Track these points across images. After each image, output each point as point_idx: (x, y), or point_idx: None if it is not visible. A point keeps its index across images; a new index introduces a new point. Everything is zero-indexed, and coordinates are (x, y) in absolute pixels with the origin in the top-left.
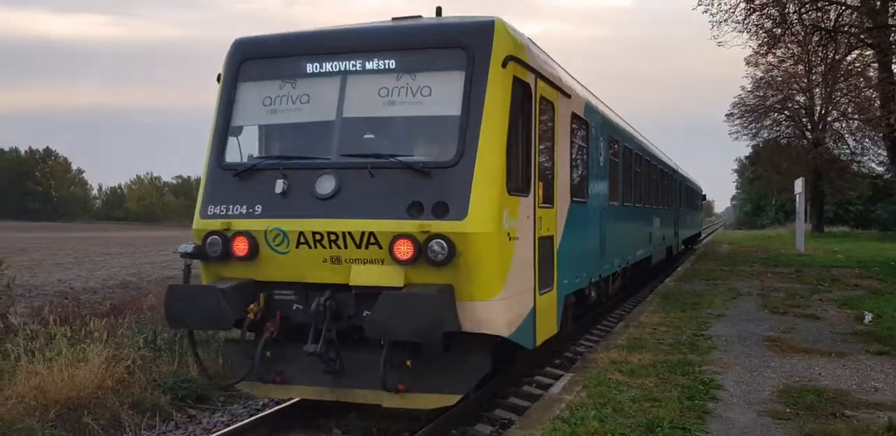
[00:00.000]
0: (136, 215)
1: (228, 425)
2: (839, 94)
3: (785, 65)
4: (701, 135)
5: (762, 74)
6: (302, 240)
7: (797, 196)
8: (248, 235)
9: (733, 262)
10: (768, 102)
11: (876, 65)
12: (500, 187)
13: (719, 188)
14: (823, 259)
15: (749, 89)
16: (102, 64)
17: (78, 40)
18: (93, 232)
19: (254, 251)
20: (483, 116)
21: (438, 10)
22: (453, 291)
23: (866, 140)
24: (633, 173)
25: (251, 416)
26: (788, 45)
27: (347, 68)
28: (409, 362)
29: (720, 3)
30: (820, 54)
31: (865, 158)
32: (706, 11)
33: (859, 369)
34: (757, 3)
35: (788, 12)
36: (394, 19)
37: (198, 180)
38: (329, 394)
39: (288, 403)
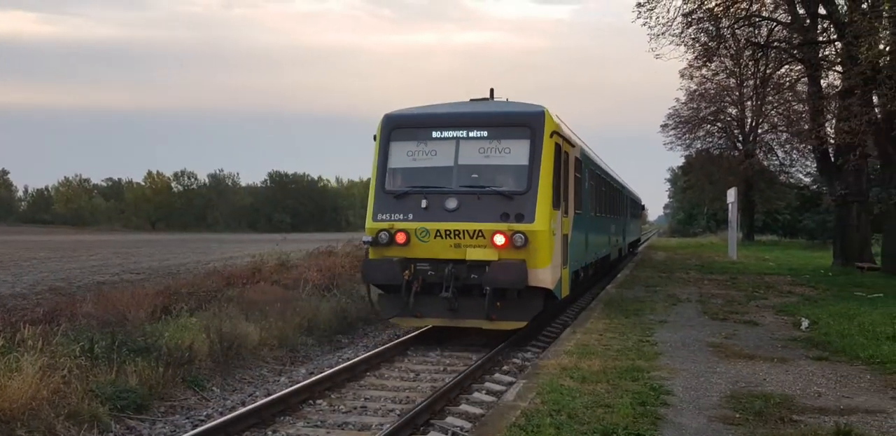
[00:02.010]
0: (63, 218)
1: None
2: (769, 107)
3: (718, 78)
4: (636, 144)
5: (696, 87)
6: (437, 234)
7: (730, 205)
8: (405, 231)
9: (670, 269)
10: (701, 114)
11: (805, 79)
12: (550, 205)
13: (652, 197)
14: (756, 267)
15: (683, 101)
16: (33, 62)
17: (6, 37)
18: (18, 235)
19: (408, 240)
20: (541, 166)
21: (491, 92)
22: (528, 261)
23: (795, 152)
24: (600, 192)
25: (194, 426)
26: (722, 58)
27: (459, 136)
28: (498, 303)
29: (658, 17)
30: (752, 68)
31: (794, 169)
32: (644, 24)
33: (802, 374)
34: (693, 17)
35: (723, 27)
36: (472, 100)
37: (129, 182)
38: (450, 322)
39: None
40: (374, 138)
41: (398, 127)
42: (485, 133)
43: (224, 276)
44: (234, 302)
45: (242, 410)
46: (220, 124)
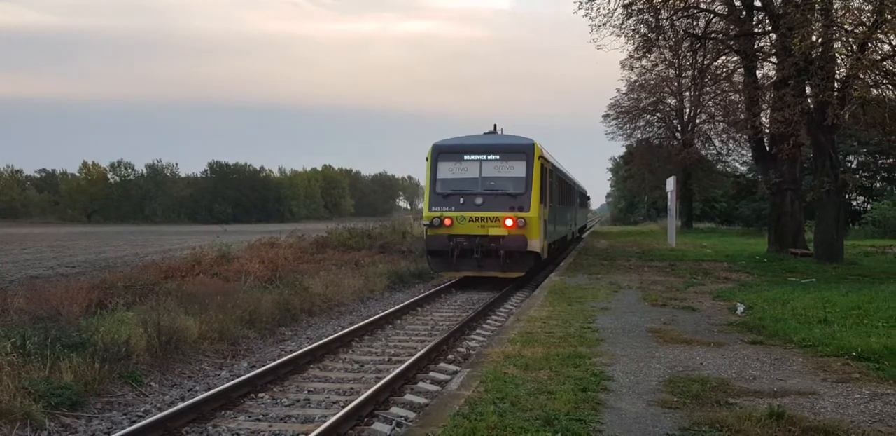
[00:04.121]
0: None
1: (108, 434)
2: (707, 97)
3: (657, 69)
4: (579, 133)
5: (636, 78)
6: (471, 219)
7: (669, 194)
8: (450, 217)
9: (612, 256)
10: (642, 105)
11: (742, 70)
12: (538, 201)
13: (595, 186)
14: (694, 253)
15: (624, 92)
16: None
17: None
18: None
19: (452, 223)
20: (532, 177)
21: (495, 127)
22: (526, 236)
23: (731, 141)
24: (561, 189)
25: (132, 422)
26: (661, 49)
27: (482, 158)
28: (508, 261)
29: (599, 8)
30: (690, 59)
31: (730, 158)
32: (586, 15)
33: (737, 358)
34: (633, 8)
35: (662, 18)
36: (485, 134)
37: (63, 173)
38: (477, 273)
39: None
40: (427, 159)
41: (442, 152)
42: (497, 157)
43: (162, 269)
44: (173, 295)
45: (182, 405)
46: (158, 114)
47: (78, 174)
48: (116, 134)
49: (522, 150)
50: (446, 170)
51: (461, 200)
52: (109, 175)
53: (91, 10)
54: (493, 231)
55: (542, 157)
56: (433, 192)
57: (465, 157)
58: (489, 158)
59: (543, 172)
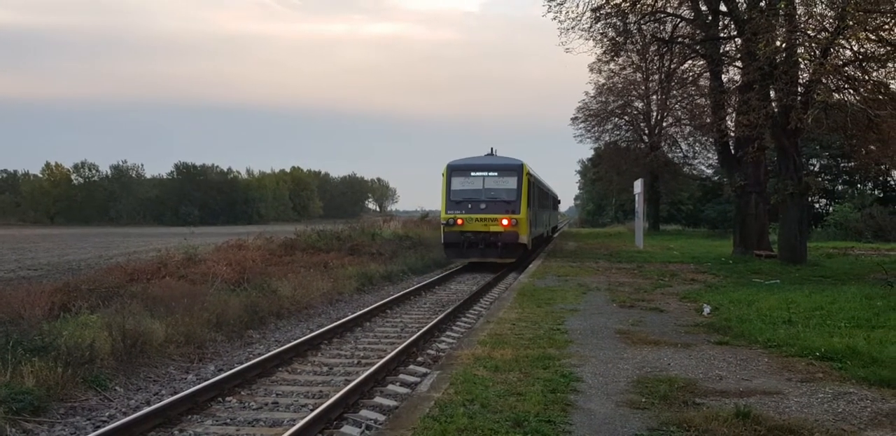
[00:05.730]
0: None
1: None
2: (673, 101)
3: (625, 72)
4: (548, 136)
5: (604, 81)
6: (477, 220)
7: (637, 196)
8: (462, 218)
9: (581, 258)
10: (609, 108)
11: (707, 74)
12: (526, 206)
13: (564, 188)
14: (661, 255)
15: (592, 95)
16: None
17: None
18: None
19: (463, 223)
20: (522, 189)
21: (492, 150)
22: (518, 232)
23: (697, 144)
24: (540, 197)
25: (96, 427)
26: (629, 53)
27: (484, 175)
28: (504, 250)
29: (567, 12)
30: (657, 63)
31: (696, 161)
32: (555, 19)
33: (704, 358)
34: (601, 12)
35: (630, 22)
36: (486, 155)
37: (25, 174)
38: (481, 259)
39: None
40: (442, 175)
41: (455, 170)
42: (496, 174)
43: (127, 271)
44: (138, 298)
45: (147, 409)
46: (123, 114)
47: (40, 175)
48: (80, 134)
49: (514, 168)
50: (458, 183)
51: (469, 206)
52: (73, 176)
53: (52, 8)
54: (494, 228)
55: (528, 173)
56: (448, 199)
57: (472, 173)
58: (490, 174)
59: (529, 184)
